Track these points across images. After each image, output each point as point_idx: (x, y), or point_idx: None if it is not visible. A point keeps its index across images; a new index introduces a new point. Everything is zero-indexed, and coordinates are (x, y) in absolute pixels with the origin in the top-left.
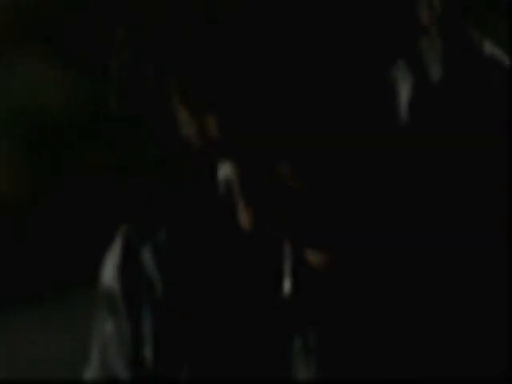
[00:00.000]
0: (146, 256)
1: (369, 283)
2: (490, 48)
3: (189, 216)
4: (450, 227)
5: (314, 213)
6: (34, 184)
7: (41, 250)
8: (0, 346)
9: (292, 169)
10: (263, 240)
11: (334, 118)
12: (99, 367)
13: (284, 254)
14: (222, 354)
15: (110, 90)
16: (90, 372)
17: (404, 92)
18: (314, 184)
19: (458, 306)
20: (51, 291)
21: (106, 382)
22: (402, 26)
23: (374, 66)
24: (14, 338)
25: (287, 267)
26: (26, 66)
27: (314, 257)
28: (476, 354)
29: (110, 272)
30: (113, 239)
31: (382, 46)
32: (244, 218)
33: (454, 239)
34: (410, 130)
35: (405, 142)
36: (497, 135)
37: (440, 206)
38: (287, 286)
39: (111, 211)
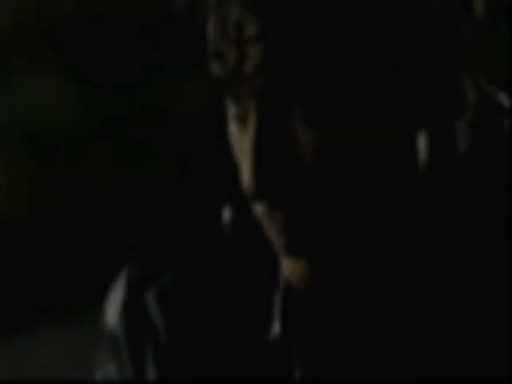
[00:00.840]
0: (150, 299)
1: (366, 284)
2: (502, 97)
3: (193, 259)
4: (450, 228)
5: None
6: (35, 199)
7: (42, 267)
8: (1, 362)
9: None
10: (264, 283)
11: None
12: None
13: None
14: None
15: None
16: None
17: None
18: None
19: (458, 306)
20: (54, 309)
21: None
22: (445, 99)
23: (399, 128)
24: (16, 357)
25: (277, 308)
26: (29, 78)
27: (293, 271)
28: (476, 354)
29: (113, 314)
30: (116, 259)
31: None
32: (248, 179)
33: (454, 240)
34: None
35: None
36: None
37: (439, 207)
38: (276, 327)
39: (115, 229)
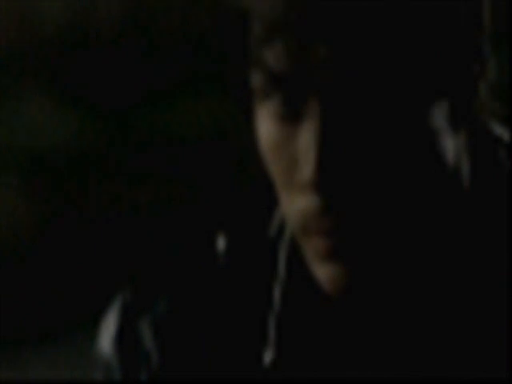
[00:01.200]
0: (144, 327)
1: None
2: (499, 130)
3: (188, 287)
4: (451, 231)
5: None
6: (35, 223)
7: (42, 289)
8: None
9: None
10: (259, 311)
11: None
12: None
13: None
14: None
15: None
16: None
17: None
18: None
19: (458, 307)
20: (53, 330)
21: None
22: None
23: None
24: (18, 376)
25: (271, 337)
26: (29, 102)
27: (331, 275)
28: (476, 355)
29: (106, 341)
30: (114, 281)
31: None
32: (310, 174)
33: (456, 241)
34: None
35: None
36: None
37: (440, 212)
38: (268, 355)
39: (111, 253)
